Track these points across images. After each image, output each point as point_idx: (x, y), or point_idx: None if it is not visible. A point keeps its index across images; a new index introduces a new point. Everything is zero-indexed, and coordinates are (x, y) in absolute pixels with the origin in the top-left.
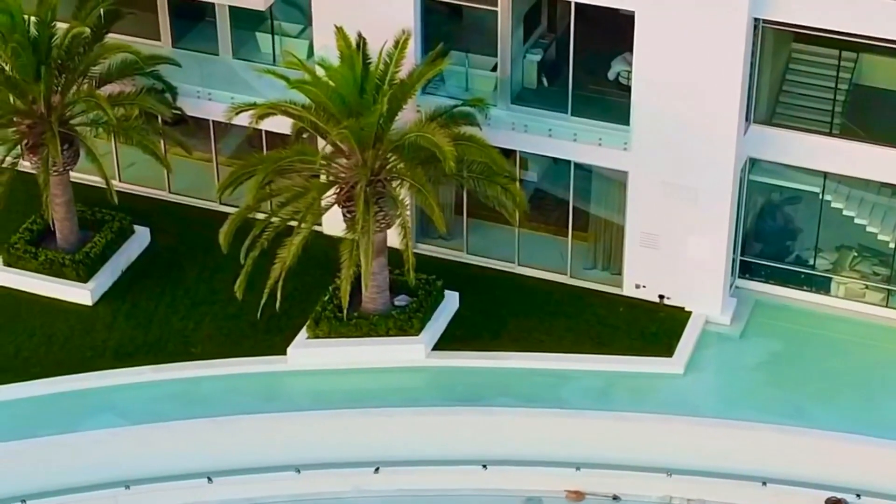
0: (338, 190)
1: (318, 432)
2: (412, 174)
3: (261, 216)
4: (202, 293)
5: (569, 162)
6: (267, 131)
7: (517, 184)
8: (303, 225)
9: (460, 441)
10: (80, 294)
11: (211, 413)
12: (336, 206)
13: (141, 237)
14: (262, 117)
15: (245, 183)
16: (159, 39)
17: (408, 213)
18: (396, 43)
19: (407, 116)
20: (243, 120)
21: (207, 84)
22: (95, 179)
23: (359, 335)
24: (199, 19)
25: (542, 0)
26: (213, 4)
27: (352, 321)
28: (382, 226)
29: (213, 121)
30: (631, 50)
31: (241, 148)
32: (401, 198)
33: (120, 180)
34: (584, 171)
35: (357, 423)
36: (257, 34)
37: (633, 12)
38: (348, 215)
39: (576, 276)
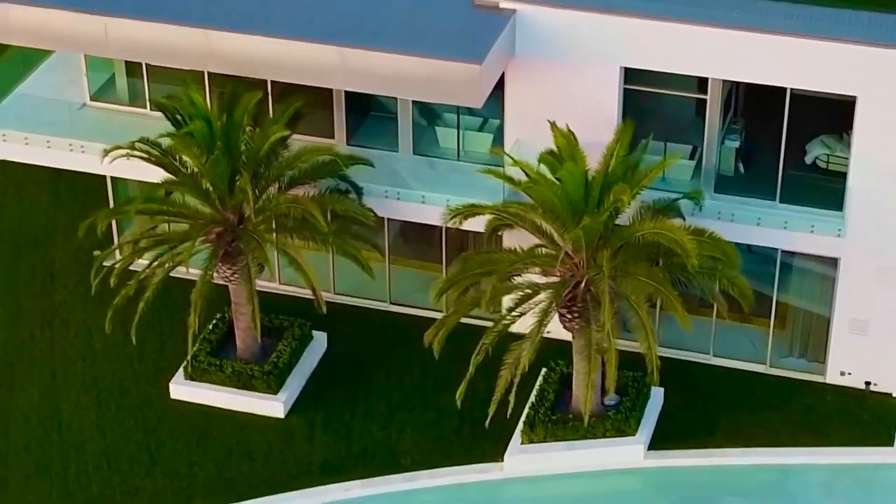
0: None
1: None
2: (648, 273)
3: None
4: (396, 399)
5: (767, 249)
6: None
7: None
8: (541, 329)
9: None
10: (273, 406)
11: None
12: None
13: (319, 342)
14: (468, 217)
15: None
16: (333, 137)
17: (646, 312)
18: (617, 136)
19: None
20: (431, 218)
21: (389, 182)
22: (263, 284)
23: (576, 438)
24: (365, 114)
25: (735, 85)
26: (391, 101)
27: (568, 423)
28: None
29: (388, 219)
30: (829, 132)
31: (396, 242)
32: (634, 298)
33: (280, 282)
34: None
35: None
36: (437, 129)
37: (855, 97)
38: (569, 316)
39: (775, 366)
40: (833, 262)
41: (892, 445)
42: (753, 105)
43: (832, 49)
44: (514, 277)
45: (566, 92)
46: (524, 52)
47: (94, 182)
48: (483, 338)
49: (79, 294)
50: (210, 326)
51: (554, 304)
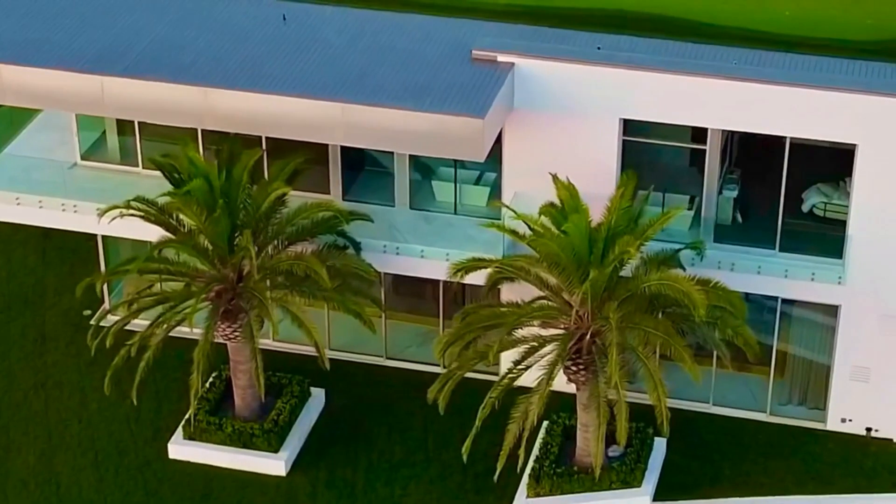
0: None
1: None
2: (655, 324)
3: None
4: (398, 455)
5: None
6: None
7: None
8: (549, 381)
9: None
10: (274, 465)
11: None
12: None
13: (317, 399)
14: (470, 271)
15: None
16: (328, 192)
17: (654, 363)
18: (619, 189)
19: None
20: (436, 272)
21: (385, 236)
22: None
23: (582, 490)
24: (361, 169)
25: (730, 134)
26: (386, 155)
27: (574, 476)
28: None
29: (386, 274)
30: (825, 180)
31: (391, 296)
32: (641, 349)
33: (273, 339)
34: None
35: None
36: (433, 183)
37: (855, 145)
38: (574, 368)
39: (775, 414)
40: (833, 310)
41: None
42: (748, 154)
43: (832, 98)
44: (517, 330)
45: (565, 144)
46: (523, 105)
47: (82, 241)
48: (490, 392)
49: (71, 355)
50: (207, 385)
51: (561, 357)
